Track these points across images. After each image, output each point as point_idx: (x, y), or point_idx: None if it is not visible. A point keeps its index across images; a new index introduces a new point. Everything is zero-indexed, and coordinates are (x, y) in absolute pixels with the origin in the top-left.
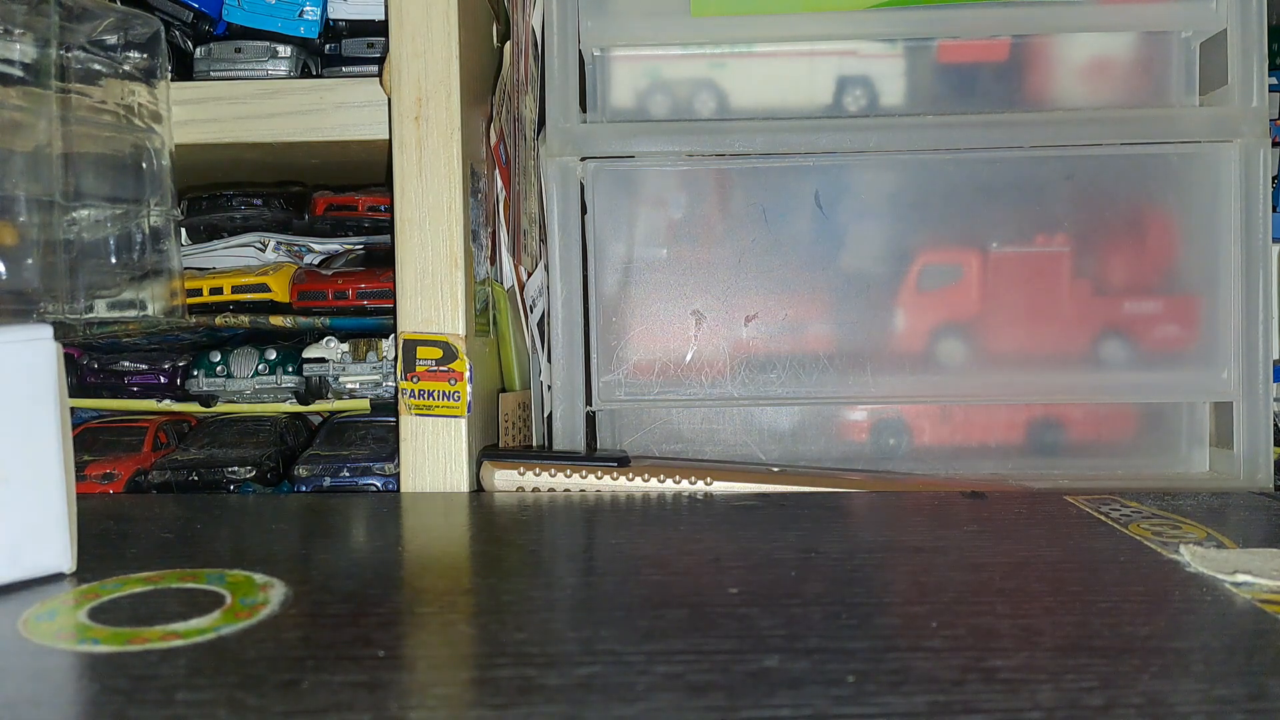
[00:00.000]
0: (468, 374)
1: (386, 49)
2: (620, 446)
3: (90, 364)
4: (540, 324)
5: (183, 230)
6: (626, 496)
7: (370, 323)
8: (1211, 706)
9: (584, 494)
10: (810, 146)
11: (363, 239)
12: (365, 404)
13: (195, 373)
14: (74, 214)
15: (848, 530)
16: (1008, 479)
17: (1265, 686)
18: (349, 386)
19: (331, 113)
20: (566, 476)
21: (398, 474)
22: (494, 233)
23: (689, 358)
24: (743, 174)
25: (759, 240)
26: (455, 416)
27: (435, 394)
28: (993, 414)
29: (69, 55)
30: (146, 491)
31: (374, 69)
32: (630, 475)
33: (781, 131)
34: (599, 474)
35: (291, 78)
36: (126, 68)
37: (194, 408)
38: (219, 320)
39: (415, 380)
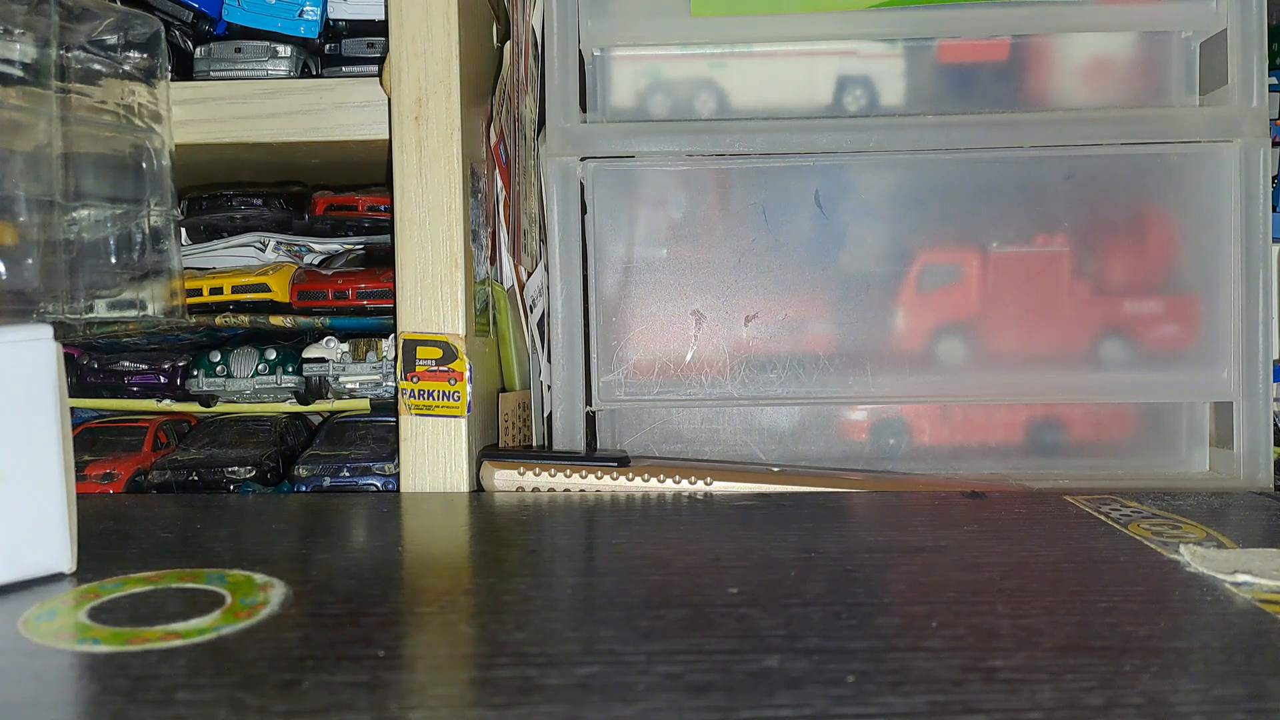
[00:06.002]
0: (468, 374)
1: (386, 49)
2: (620, 446)
3: (90, 364)
4: (540, 324)
5: (183, 230)
6: (626, 496)
7: (370, 323)
8: (1211, 706)
9: (584, 494)
10: (810, 146)
11: (363, 239)
12: (365, 404)
13: (195, 373)
14: (74, 214)
15: (848, 530)
16: (1008, 479)
17: (1265, 686)
18: (349, 386)
19: (331, 113)
20: (566, 476)
21: (398, 474)
22: (494, 233)
23: (689, 358)
24: (743, 174)
25: (759, 240)
26: (455, 416)
27: (435, 394)
28: (993, 414)
29: (69, 55)
30: (146, 491)
31: (374, 69)
32: (630, 475)
33: (781, 131)
34: (599, 474)
35: (291, 78)
36: (126, 68)
37: (194, 408)
38: (219, 320)
39: (415, 380)
